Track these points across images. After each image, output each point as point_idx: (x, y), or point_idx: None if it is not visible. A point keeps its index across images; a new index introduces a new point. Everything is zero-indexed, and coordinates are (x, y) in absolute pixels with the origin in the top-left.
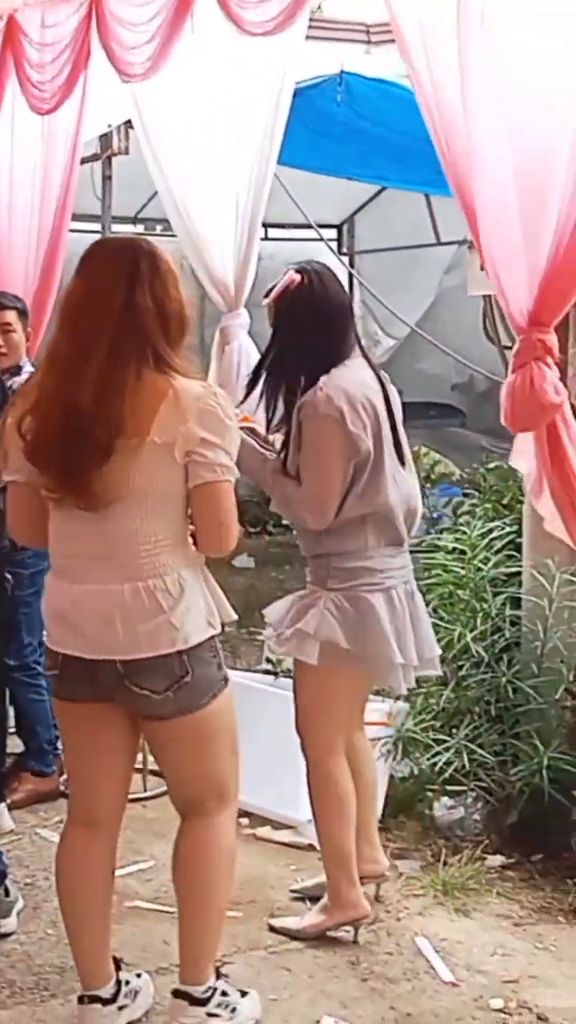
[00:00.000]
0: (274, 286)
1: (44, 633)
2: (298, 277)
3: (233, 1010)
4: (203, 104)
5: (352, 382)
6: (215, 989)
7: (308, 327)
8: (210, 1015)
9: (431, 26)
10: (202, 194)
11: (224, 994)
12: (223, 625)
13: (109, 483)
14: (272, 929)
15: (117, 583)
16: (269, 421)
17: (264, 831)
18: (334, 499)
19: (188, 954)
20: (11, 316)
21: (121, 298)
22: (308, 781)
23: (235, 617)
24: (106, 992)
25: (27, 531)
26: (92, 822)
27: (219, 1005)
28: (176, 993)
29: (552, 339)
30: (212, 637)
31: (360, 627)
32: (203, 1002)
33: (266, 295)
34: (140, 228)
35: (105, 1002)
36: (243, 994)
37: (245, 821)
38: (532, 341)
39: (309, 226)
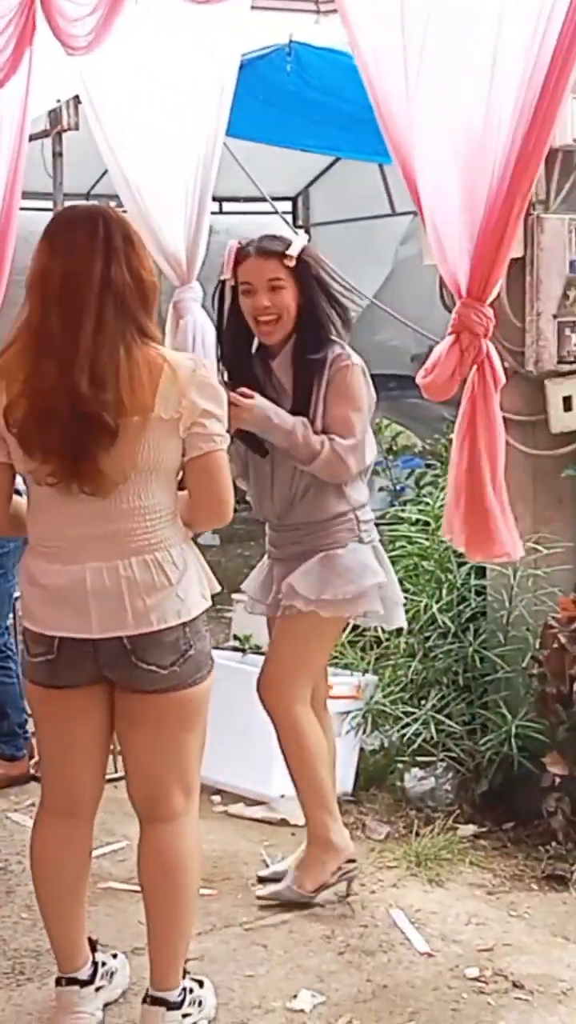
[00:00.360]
0: (274, 241)
1: (23, 618)
2: (307, 237)
3: (200, 1004)
4: (149, 77)
5: None
6: (185, 989)
7: (326, 291)
8: (184, 1016)
9: None
10: (151, 168)
11: (191, 991)
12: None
13: (116, 465)
14: (260, 899)
15: (123, 558)
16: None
17: (236, 808)
18: (365, 446)
19: (161, 960)
20: None
21: (100, 274)
22: (282, 739)
23: (219, 589)
24: (83, 974)
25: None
26: (71, 810)
27: (190, 1003)
28: (151, 1000)
29: (487, 312)
30: (205, 611)
31: (389, 575)
32: (178, 1005)
33: (276, 254)
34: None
35: (83, 984)
36: (199, 983)
37: (217, 798)
38: (467, 313)
39: (263, 199)
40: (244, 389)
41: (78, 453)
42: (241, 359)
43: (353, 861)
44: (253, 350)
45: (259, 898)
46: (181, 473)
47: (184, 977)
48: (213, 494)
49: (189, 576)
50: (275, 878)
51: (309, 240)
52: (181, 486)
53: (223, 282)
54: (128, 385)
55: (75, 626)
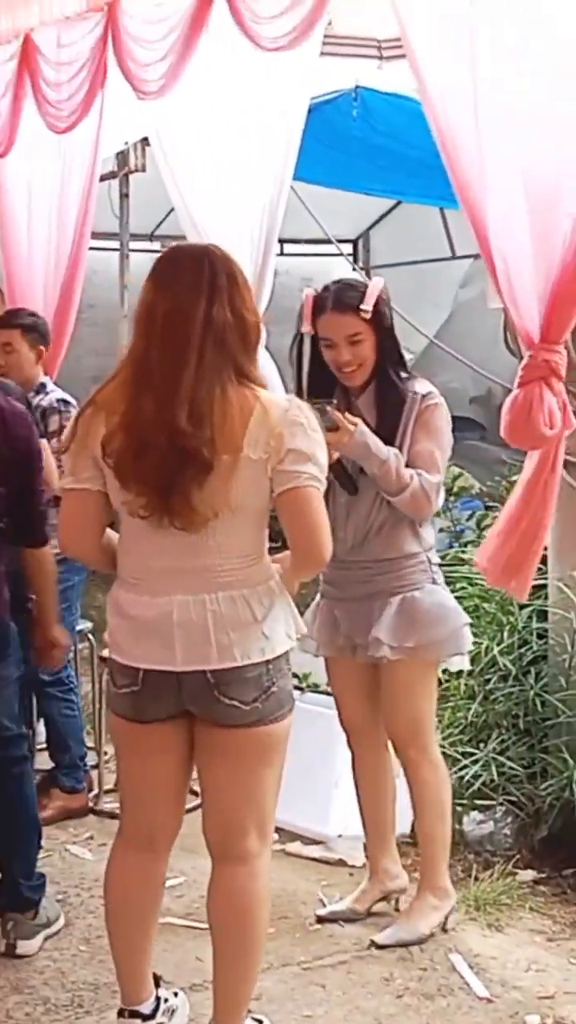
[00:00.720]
0: (351, 296)
1: (109, 649)
2: (382, 281)
3: None
4: (219, 120)
5: None
6: None
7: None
8: None
9: (441, 41)
10: (218, 210)
11: None
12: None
13: (207, 502)
14: (377, 946)
15: (210, 592)
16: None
17: (294, 846)
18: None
19: (226, 1000)
20: (13, 335)
21: (203, 313)
22: (425, 789)
23: (305, 631)
24: (146, 1008)
25: (81, 543)
26: (149, 844)
27: None
28: None
29: (560, 358)
30: (289, 650)
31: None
32: None
33: (352, 308)
34: (156, 245)
35: (144, 1018)
36: (259, 1023)
37: (275, 836)
38: (538, 360)
39: (324, 241)
40: (348, 415)
41: (171, 487)
42: (328, 395)
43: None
44: (336, 389)
45: (379, 946)
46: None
47: (248, 1015)
48: (303, 528)
49: (275, 615)
50: (333, 919)
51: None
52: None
53: (302, 334)
54: (221, 424)
55: (160, 658)
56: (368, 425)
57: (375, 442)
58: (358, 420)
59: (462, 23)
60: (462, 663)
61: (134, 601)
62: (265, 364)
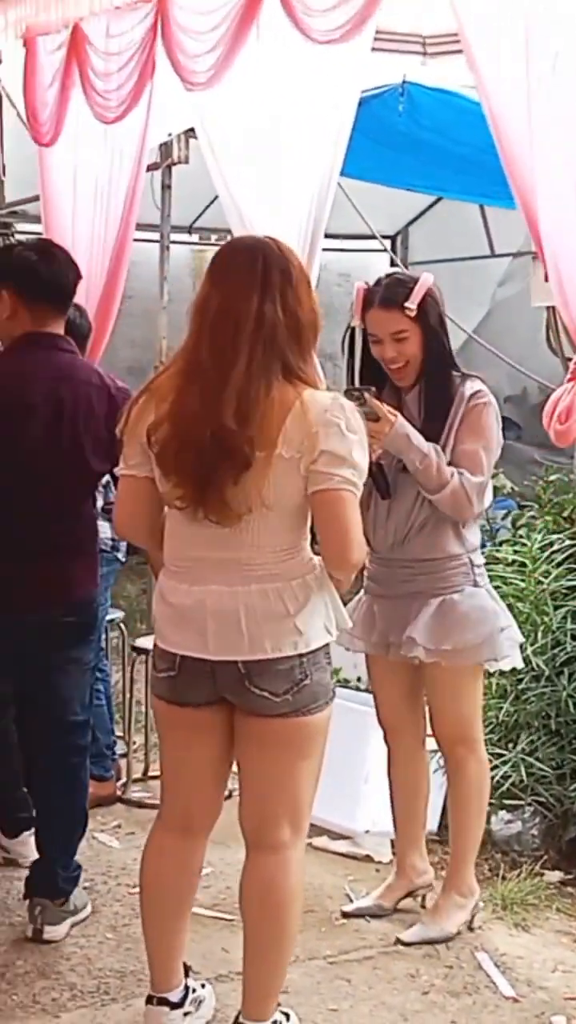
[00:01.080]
0: (396, 293)
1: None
2: (431, 278)
3: None
4: (268, 113)
5: None
6: (276, 1022)
7: (444, 325)
8: None
9: (498, 36)
10: (265, 203)
11: (280, 1023)
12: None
13: (241, 498)
14: (404, 943)
15: (243, 584)
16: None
17: (321, 841)
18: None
19: (255, 990)
20: None
21: (254, 311)
22: (469, 789)
23: (350, 625)
24: (175, 996)
25: (135, 527)
26: (188, 828)
27: None
28: None
29: None
30: (328, 643)
31: (507, 617)
32: None
33: (397, 305)
34: (195, 238)
35: (173, 1006)
36: (287, 1016)
37: None
38: None
39: (362, 236)
40: (389, 407)
41: (208, 482)
42: (378, 391)
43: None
44: (386, 384)
45: (405, 943)
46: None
47: (276, 1008)
48: (333, 531)
49: (311, 609)
50: (360, 914)
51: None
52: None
53: (353, 327)
54: (260, 421)
55: (195, 646)
56: (414, 423)
57: (416, 435)
58: (398, 414)
59: (519, 19)
60: (514, 661)
61: (174, 588)
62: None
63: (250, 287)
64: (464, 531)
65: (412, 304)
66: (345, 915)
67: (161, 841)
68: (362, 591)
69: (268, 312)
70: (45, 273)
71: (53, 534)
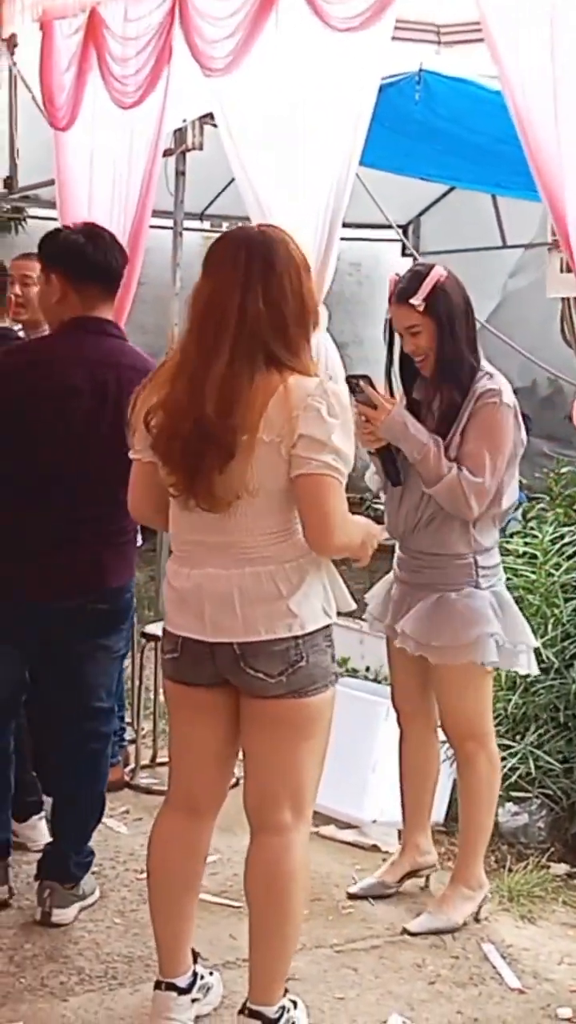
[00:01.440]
0: (406, 288)
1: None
2: (444, 271)
3: None
4: (287, 100)
5: (503, 378)
6: (284, 1007)
7: (467, 318)
8: None
9: (521, 27)
10: (283, 191)
11: (287, 1010)
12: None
13: (227, 485)
14: (410, 933)
15: (237, 567)
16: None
17: (328, 830)
18: (495, 491)
19: (261, 975)
20: (35, 267)
21: (236, 304)
22: (480, 781)
23: (354, 606)
24: (182, 982)
25: (146, 509)
26: (193, 808)
27: (285, 1023)
28: (249, 1012)
29: None
30: (328, 626)
31: (508, 620)
32: (275, 1022)
33: (404, 297)
34: (206, 225)
35: (181, 991)
36: (294, 1004)
37: None
38: None
39: (374, 226)
40: (386, 395)
41: (195, 472)
42: (407, 384)
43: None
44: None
45: (412, 933)
46: None
47: (284, 995)
48: (311, 516)
49: (305, 591)
50: (364, 895)
51: (445, 271)
52: None
53: (389, 319)
54: (243, 411)
55: (194, 628)
56: (431, 418)
57: (415, 426)
58: (396, 402)
59: (543, 10)
60: (529, 667)
61: (176, 572)
62: (327, 348)
63: (232, 280)
64: (473, 531)
65: (417, 300)
66: (351, 897)
67: (166, 823)
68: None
69: (249, 305)
70: (93, 256)
71: (90, 519)
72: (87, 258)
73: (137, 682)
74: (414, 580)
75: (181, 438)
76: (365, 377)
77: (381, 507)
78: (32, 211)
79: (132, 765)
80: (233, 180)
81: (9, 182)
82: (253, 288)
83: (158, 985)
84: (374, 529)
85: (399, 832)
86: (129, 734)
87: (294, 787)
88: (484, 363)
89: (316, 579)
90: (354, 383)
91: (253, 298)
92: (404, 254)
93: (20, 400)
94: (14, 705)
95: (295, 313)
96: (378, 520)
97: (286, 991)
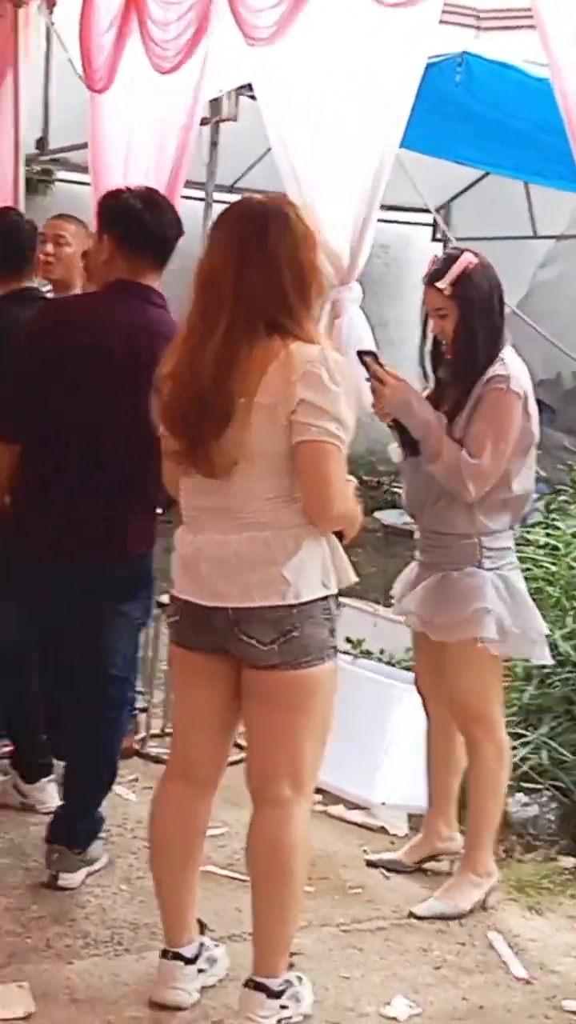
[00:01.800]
0: (437, 270)
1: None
2: (475, 258)
3: (298, 999)
4: (330, 74)
5: (523, 367)
6: (289, 981)
7: (493, 305)
8: (282, 1007)
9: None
10: (321, 166)
11: (292, 984)
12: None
13: (225, 451)
14: (417, 917)
15: (235, 533)
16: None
17: (337, 810)
18: (497, 475)
19: (264, 946)
20: (70, 229)
21: (232, 275)
22: (485, 767)
23: (355, 580)
24: (188, 952)
25: (171, 483)
26: (188, 776)
27: (290, 996)
28: (252, 984)
29: None
30: (326, 599)
31: (514, 604)
32: (278, 995)
33: (433, 279)
34: (236, 197)
35: (187, 961)
36: (300, 979)
37: (318, 797)
38: None
39: (403, 208)
40: (393, 370)
41: (194, 437)
42: (435, 364)
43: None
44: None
45: (418, 917)
46: None
47: (290, 969)
48: (310, 483)
49: (302, 560)
50: (380, 864)
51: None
52: None
53: None
54: (241, 375)
55: (193, 592)
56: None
57: (420, 404)
58: (404, 379)
59: None
60: (542, 657)
61: (181, 537)
62: (361, 324)
63: (227, 253)
64: (479, 512)
65: (444, 283)
66: (368, 864)
67: (166, 790)
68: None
69: (245, 276)
70: (148, 223)
71: (114, 483)
72: (142, 224)
73: (152, 653)
74: (425, 560)
75: (182, 406)
76: (371, 354)
77: (398, 489)
78: (61, 174)
79: (143, 734)
80: (265, 153)
81: (41, 143)
82: (248, 259)
83: (164, 954)
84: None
85: (408, 815)
86: (140, 703)
87: (291, 761)
88: (506, 350)
89: (315, 549)
90: (362, 359)
91: (248, 269)
92: (435, 238)
93: (52, 356)
94: (14, 660)
95: (293, 283)
96: (395, 504)
97: (291, 966)
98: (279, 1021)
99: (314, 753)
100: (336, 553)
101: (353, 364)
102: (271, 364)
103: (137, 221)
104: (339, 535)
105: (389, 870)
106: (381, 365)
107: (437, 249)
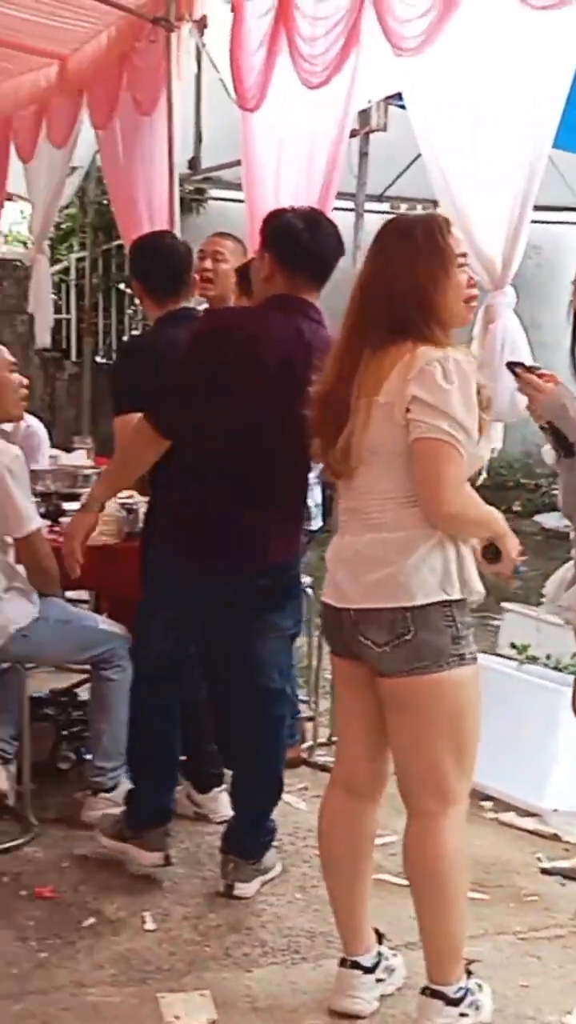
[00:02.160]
0: None
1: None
2: None
3: (478, 1007)
4: (479, 79)
5: None
6: (467, 989)
7: None
8: (462, 1015)
9: None
10: (472, 172)
11: (471, 992)
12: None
13: (347, 448)
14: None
15: (361, 534)
16: None
17: (508, 817)
18: None
19: (432, 954)
20: (227, 245)
21: (378, 288)
22: None
23: (482, 592)
24: (367, 961)
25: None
26: (348, 784)
27: (469, 1004)
28: (429, 992)
29: None
30: (448, 604)
31: None
32: (456, 1002)
33: None
34: (386, 206)
35: (366, 970)
36: (480, 987)
37: (488, 804)
38: None
39: (556, 208)
40: (547, 373)
41: (325, 439)
42: None
43: None
44: None
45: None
46: None
47: (468, 978)
48: (423, 481)
49: (419, 562)
50: (556, 872)
51: None
52: None
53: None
54: (364, 376)
55: (329, 595)
56: None
57: (574, 404)
58: (560, 383)
59: None
60: None
61: (332, 541)
62: (515, 329)
63: (375, 266)
64: None
65: None
66: (543, 872)
67: (329, 800)
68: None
69: (388, 286)
70: (307, 242)
71: (261, 491)
72: (300, 244)
73: (317, 662)
74: None
75: (318, 408)
76: (520, 364)
77: (557, 492)
78: (214, 192)
79: (310, 742)
80: (414, 160)
81: (193, 163)
82: (376, 269)
83: (343, 962)
84: (503, 528)
85: None
86: (306, 712)
87: (429, 772)
88: None
89: (435, 552)
90: (512, 370)
91: (377, 280)
92: None
93: (210, 366)
94: (171, 673)
95: (432, 293)
96: (555, 507)
97: (469, 974)
98: None
99: (457, 763)
100: (463, 562)
101: (505, 373)
102: (395, 365)
103: (294, 240)
104: (488, 551)
105: (566, 877)
106: (532, 371)
107: None
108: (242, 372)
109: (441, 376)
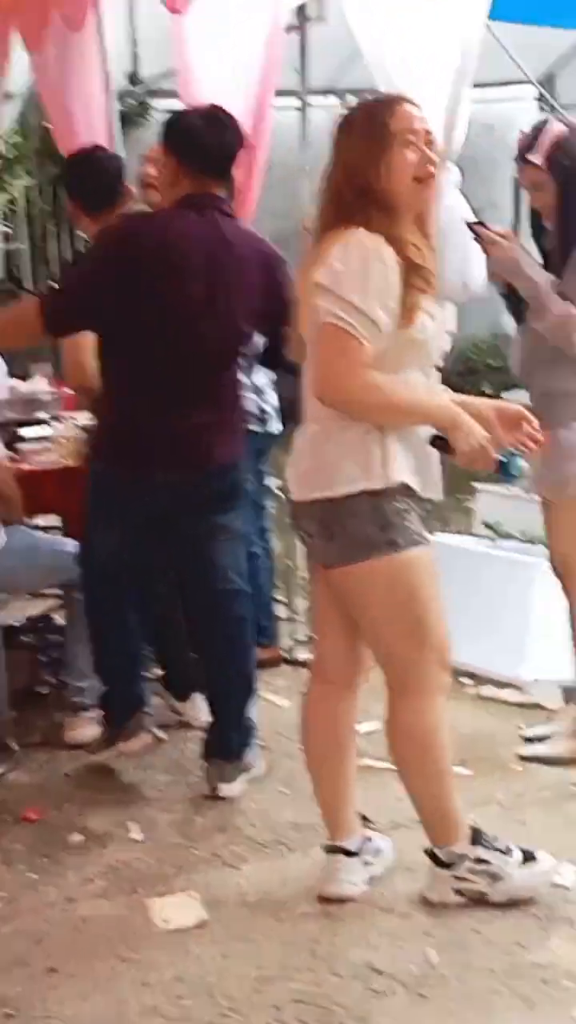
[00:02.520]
0: (527, 144)
1: None
2: (563, 126)
3: (499, 878)
4: None
5: None
6: (465, 856)
7: None
8: (459, 878)
9: None
10: (408, 52)
11: (482, 861)
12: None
13: (296, 340)
14: (523, 758)
15: (304, 426)
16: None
17: (488, 690)
18: None
19: (422, 819)
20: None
21: (321, 175)
22: None
23: (398, 479)
24: (352, 845)
25: None
26: (322, 673)
27: (473, 872)
28: (426, 852)
29: None
30: (376, 494)
31: None
32: (447, 865)
33: (524, 154)
34: (333, 100)
35: (350, 854)
36: (528, 857)
37: (469, 681)
38: None
39: (506, 83)
40: (505, 231)
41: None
42: (537, 238)
43: None
44: None
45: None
46: None
47: (476, 844)
48: (311, 369)
49: (342, 453)
50: (536, 759)
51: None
52: None
53: None
54: (307, 268)
55: (287, 487)
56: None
57: (528, 263)
58: (513, 239)
59: None
60: None
61: None
62: (460, 206)
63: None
64: None
65: (534, 156)
66: (528, 740)
67: (309, 692)
68: None
69: (327, 169)
70: (208, 140)
71: (195, 394)
72: (202, 142)
73: (293, 562)
74: (543, 425)
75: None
76: (480, 223)
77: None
78: (158, 103)
79: (290, 642)
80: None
81: (133, 78)
82: (331, 159)
83: (328, 849)
84: (447, 417)
85: (563, 689)
86: (284, 614)
87: (389, 657)
88: None
89: (360, 443)
90: (471, 228)
91: (330, 168)
92: (541, 111)
93: (128, 269)
94: (120, 577)
95: (355, 177)
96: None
97: (483, 842)
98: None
99: (416, 647)
100: (385, 450)
101: (465, 236)
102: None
103: (195, 139)
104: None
105: (547, 763)
106: (489, 229)
107: None
108: (158, 273)
109: (338, 259)
